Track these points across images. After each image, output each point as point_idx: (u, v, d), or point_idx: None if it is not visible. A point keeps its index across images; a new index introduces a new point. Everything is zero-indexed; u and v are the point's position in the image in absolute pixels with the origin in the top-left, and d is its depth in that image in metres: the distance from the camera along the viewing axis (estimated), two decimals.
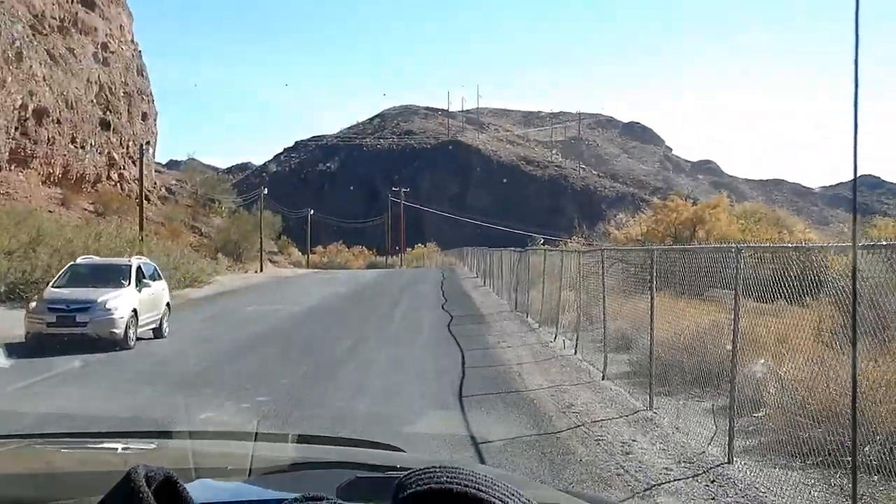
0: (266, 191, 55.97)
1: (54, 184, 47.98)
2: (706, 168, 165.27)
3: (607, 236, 49.73)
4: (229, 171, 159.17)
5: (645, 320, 10.85)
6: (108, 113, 56.99)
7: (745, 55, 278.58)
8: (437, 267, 65.85)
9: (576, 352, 14.78)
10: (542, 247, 39.29)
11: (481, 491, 0.73)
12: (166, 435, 3.07)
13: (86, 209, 46.73)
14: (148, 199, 58.81)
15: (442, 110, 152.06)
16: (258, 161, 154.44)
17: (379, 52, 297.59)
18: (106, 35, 59.71)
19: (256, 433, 2.96)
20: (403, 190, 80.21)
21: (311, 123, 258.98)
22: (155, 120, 67.48)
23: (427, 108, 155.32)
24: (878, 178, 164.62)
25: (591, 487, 6.60)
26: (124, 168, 58.18)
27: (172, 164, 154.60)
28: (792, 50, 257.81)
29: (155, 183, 65.38)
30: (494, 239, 64.10)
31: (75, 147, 50.93)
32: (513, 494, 0.74)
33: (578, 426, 9.06)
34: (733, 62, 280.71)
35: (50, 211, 41.59)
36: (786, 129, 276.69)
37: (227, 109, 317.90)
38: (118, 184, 56.44)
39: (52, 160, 48.45)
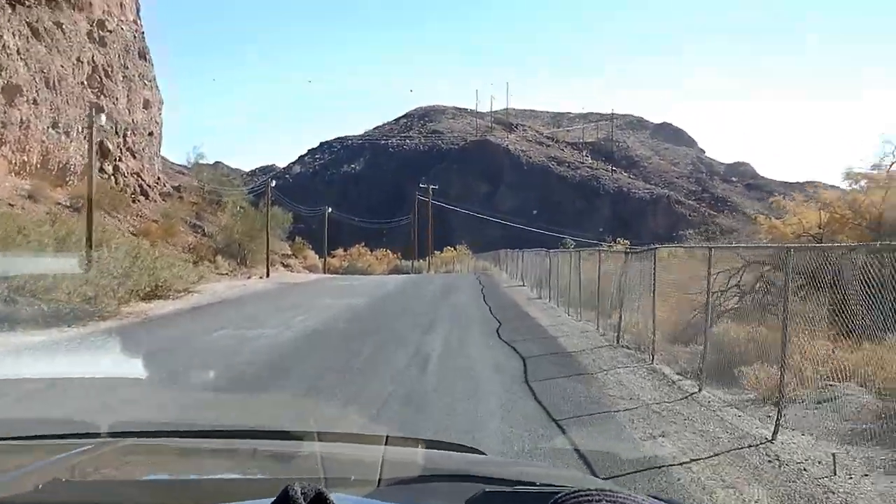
0: (273, 183, 47.28)
1: (31, 174, 39.96)
2: (740, 170, 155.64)
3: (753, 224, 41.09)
4: (253, 173, 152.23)
5: None
6: (101, 97, 49.00)
7: (781, 55, 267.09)
8: (469, 272, 57.28)
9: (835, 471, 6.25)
10: (614, 247, 30.79)
11: None
12: (295, 436, 2.65)
13: (60, 203, 38.56)
14: (146, 195, 50.88)
15: (470, 110, 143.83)
16: (283, 164, 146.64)
17: (405, 51, 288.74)
18: (103, 12, 51.69)
19: (387, 437, 2.65)
20: (432, 187, 71.64)
21: (337, 125, 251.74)
22: (160, 109, 59.47)
23: (455, 108, 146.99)
24: None
25: None
26: (120, 159, 50.14)
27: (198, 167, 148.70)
28: (830, 51, 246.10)
29: (159, 178, 57.36)
30: (524, 242, 56.67)
31: (57, 133, 42.98)
32: None
33: None
34: (769, 62, 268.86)
35: (10, 205, 33.53)
36: (821, 128, 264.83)
37: (252, 112, 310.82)
38: (112, 176, 48.39)
39: (27, 146, 40.44)
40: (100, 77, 49.26)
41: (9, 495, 1.58)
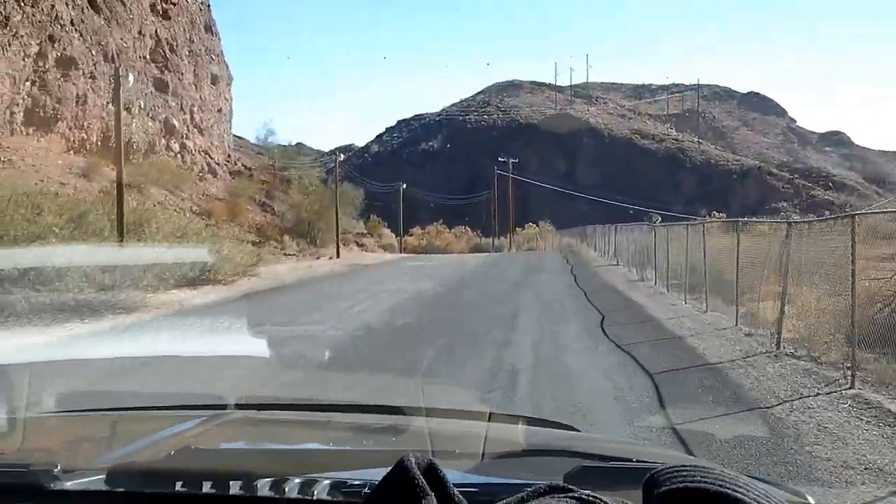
0: (342, 157, 43.55)
1: (90, 152, 37.43)
2: (835, 140, 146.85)
3: None
4: (332, 153, 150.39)
5: None
6: (165, 72, 46.38)
7: (872, 15, 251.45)
8: (552, 250, 53.05)
9: None
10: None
11: (737, 491, 0.70)
12: (402, 411, 2.72)
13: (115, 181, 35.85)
14: (214, 173, 48.17)
15: (549, 84, 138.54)
16: (362, 143, 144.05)
17: (482, 25, 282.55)
18: None
19: (490, 413, 2.95)
20: (511, 161, 67.37)
21: (415, 103, 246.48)
22: (228, 85, 56.78)
23: (533, 83, 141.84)
24: None
25: None
26: (187, 137, 47.49)
27: (280, 149, 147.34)
28: None
29: (229, 156, 54.72)
30: (608, 217, 52.28)
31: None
32: (767, 496, 0.72)
33: None
34: (860, 24, 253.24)
35: (63, 183, 30.89)
36: None
37: (330, 90, 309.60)
38: (179, 154, 45.77)
39: (86, 123, 37.91)
40: (163, 51, 46.60)
41: (145, 459, 1.72)
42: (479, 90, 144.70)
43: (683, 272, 17.78)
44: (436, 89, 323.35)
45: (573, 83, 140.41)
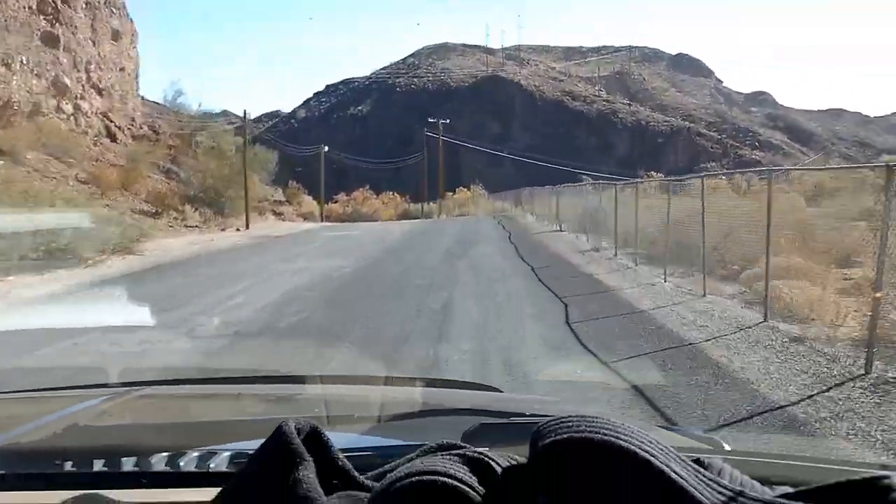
0: (250, 114, 38.38)
1: None
2: (760, 100, 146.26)
3: None
4: (258, 119, 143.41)
5: None
6: (55, 25, 40.60)
7: None
8: (485, 215, 49.00)
9: None
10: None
11: (621, 439, 0.69)
12: (299, 380, 2.80)
13: None
14: (113, 137, 42.75)
15: (480, 46, 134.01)
16: (289, 109, 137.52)
17: None
18: None
19: (386, 377, 3.07)
20: (441, 122, 62.92)
21: (344, 69, 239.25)
22: (133, 42, 50.94)
23: (464, 45, 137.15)
24: None
25: None
26: (82, 97, 41.87)
27: (205, 115, 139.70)
28: None
29: (133, 119, 49.13)
30: (540, 180, 48.90)
31: None
32: (652, 442, 0.70)
33: None
34: None
35: None
36: (844, 55, 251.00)
37: (255, 57, 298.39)
38: (72, 117, 40.23)
39: None
40: (53, 1, 40.77)
41: (31, 441, 1.62)
42: (410, 53, 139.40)
43: (639, 238, 13.83)
44: (366, 54, 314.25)
45: (504, 45, 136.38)
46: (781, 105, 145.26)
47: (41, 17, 39.99)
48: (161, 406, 2.38)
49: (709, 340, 7.86)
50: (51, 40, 40.14)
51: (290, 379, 2.81)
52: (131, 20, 51.13)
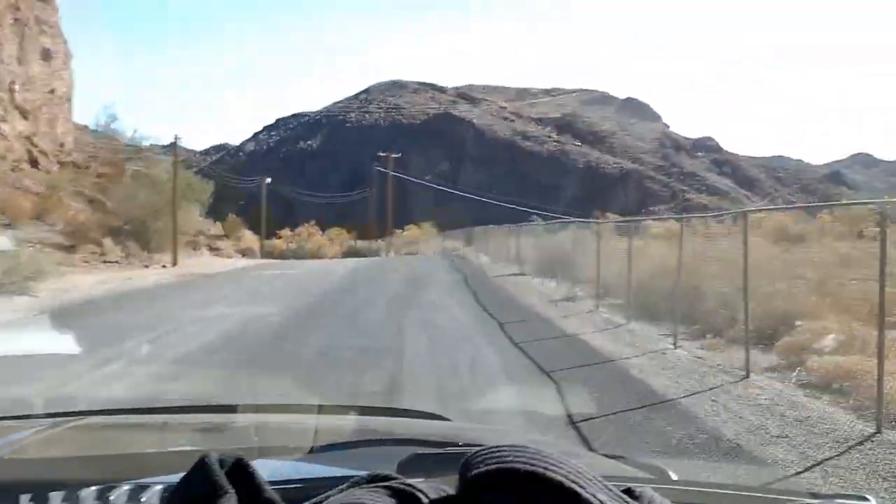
0: (181, 139, 34.42)
1: None
2: (706, 145, 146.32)
3: None
4: (206, 153, 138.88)
5: None
6: None
7: (747, 31, 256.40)
8: (436, 254, 45.98)
9: None
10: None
11: (549, 469, 0.69)
12: (232, 409, 2.67)
13: None
14: (35, 164, 38.97)
15: (432, 85, 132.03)
16: (237, 142, 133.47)
17: (367, 25, 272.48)
18: None
19: (320, 406, 2.81)
20: (393, 155, 60.03)
21: (295, 103, 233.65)
22: (66, 63, 47.19)
23: (417, 83, 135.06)
24: (871, 155, 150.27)
25: None
26: (2, 119, 38.04)
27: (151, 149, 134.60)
28: (793, 26, 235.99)
29: (62, 144, 45.27)
30: (491, 219, 46.23)
31: None
32: (579, 472, 0.70)
33: None
34: (733, 37, 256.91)
35: None
36: (790, 103, 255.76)
37: (204, 89, 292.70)
38: None
39: None
40: None
41: None
42: (362, 89, 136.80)
43: (633, 291, 10.93)
44: (317, 89, 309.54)
45: (457, 84, 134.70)
46: (726, 151, 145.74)
47: None
48: (91, 437, 2.28)
49: (820, 475, 4.88)
50: None
51: (222, 408, 2.62)
52: (65, 41, 47.45)
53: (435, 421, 2.60)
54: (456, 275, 24.86)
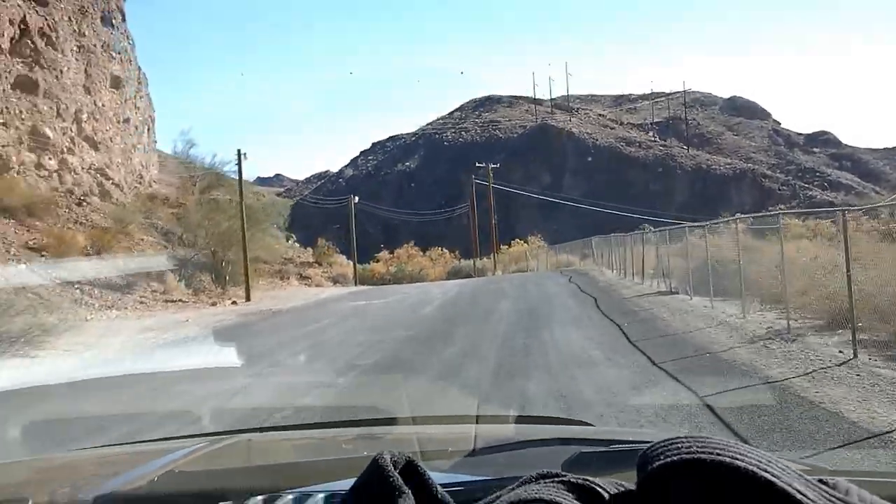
0: (245, 154, 29.65)
1: None
2: (822, 140, 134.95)
3: None
4: (307, 181, 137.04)
5: None
6: (34, 68, 33.45)
7: (855, 15, 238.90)
8: (548, 270, 39.98)
9: None
10: None
11: (736, 459, 0.63)
12: (391, 422, 2.66)
13: None
14: (106, 195, 35.23)
15: (527, 97, 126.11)
16: (335, 169, 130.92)
17: (457, 40, 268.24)
18: None
19: (478, 416, 2.75)
20: (491, 166, 54.45)
21: (389, 124, 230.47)
22: (139, 91, 43.77)
23: (511, 97, 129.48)
24: None
25: None
26: (69, 151, 34.45)
27: (260, 181, 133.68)
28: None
29: (141, 176, 41.70)
30: (597, 230, 40.25)
31: None
32: (769, 461, 0.64)
33: None
34: (841, 24, 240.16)
35: None
36: None
37: (300, 117, 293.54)
38: (56, 174, 32.80)
39: None
40: (31, 41, 33.68)
41: (130, 489, 1.58)
42: (456, 107, 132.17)
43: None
44: (411, 110, 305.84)
45: (552, 96, 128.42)
46: (845, 144, 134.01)
47: (17, 58, 32.92)
48: (256, 452, 2.27)
49: None
50: (26, 85, 32.95)
51: (380, 421, 2.57)
52: (139, 67, 44.06)
53: (589, 427, 2.43)
54: (581, 296, 18.95)
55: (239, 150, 29.48)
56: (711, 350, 9.53)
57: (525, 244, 54.43)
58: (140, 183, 40.80)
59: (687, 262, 17.26)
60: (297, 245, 43.21)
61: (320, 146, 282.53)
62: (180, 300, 23.52)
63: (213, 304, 23.54)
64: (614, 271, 27.64)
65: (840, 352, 8.65)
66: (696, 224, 20.71)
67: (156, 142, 47.97)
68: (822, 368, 7.89)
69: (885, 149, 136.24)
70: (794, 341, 9.47)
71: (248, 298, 25.20)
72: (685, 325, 12.16)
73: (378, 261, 49.91)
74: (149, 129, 45.14)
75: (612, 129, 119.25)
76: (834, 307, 9.78)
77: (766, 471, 0.61)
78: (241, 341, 13.42)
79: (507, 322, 14.17)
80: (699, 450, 0.64)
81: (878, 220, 17.73)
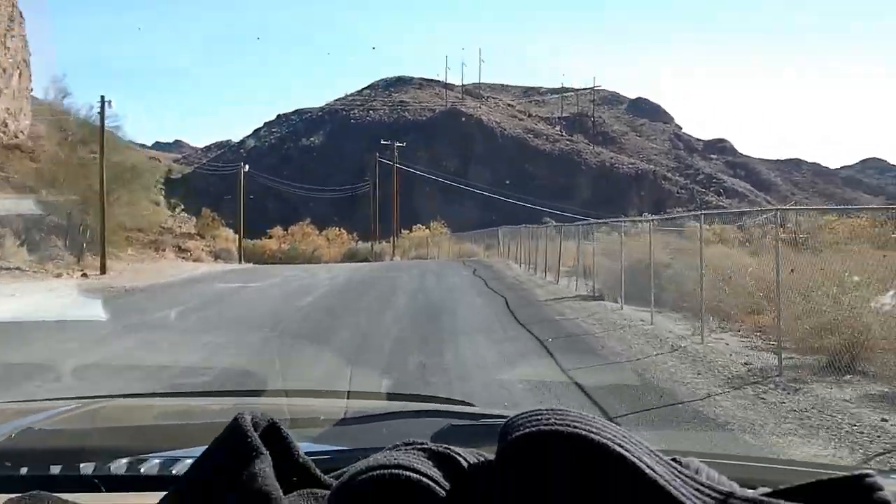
0: (110, 103, 25.38)
1: None
2: (720, 147, 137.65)
3: None
4: (207, 149, 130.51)
5: None
6: None
7: (761, 31, 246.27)
8: (450, 259, 37.21)
9: None
10: None
11: (592, 432, 0.65)
12: (261, 393, 2.65)
13: None
14: None
15: (438, 81, 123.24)
16: (238, 138, 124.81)
17: (370, 19, 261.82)
18: None
19: (349, 392, 2.76)
20: (397, 145, 51.32)
21: (297, 99, 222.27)
22: (9, 32, 38.51)
23: (422, 79, 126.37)
24: (885, 161, 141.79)
25: None
26: None
27: (158, 146, 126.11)
28: (808, 27, 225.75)
29: (5, 123, 36.66)
30: (501, 220, 38.32)
31: None
32: (624, 437, 0.66)
33: None
34: (747, 38, 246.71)
35: None
36: (803, 106, 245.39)
37: (207, 86, 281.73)
38: None
39: None
40: None
41: None
42: (366, 85, 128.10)
43: None
44: (319, 84, 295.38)
45: (464, 82, 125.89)
46: (741, 153, 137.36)
47: None
48: (124, 415, 2.23)
49: None
50: None
51: (253, 392, 2.55)
52: (13, 2, 38.89)
53: (465, 406, 2.36)
54: (491, 296, 16.17)
55: (102, 97, 25.29)
56: (680, 397, 6.82)
57: (427, 230, 51.58)
58: (4, 132, 35.82)
59: (620, 262, 14.63)
60: (183, 215, 39.00)
61: (224, 114, 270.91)
62: (17, 268, 19.55)
63: (58, 276, 19.67)
64: (522, 266, 25.06)
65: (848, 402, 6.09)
66: (622, 220, 18.27)
67: (31, 89, 42.61)
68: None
69: (777, 160, 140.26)
70: (797, 390, 6.87)
71: (102, 271, 21.36)
72: (627, 347, 9.48)
73: (271, 237, 46.05)
74: (20, 74, 39.93)
75: (520, 119, 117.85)
76: (841, 341, 7.24)
77: (619, 445, 0.63)
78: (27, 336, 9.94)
79: (402, 317, 11.24)
80: (557, 422, 0.66)
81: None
